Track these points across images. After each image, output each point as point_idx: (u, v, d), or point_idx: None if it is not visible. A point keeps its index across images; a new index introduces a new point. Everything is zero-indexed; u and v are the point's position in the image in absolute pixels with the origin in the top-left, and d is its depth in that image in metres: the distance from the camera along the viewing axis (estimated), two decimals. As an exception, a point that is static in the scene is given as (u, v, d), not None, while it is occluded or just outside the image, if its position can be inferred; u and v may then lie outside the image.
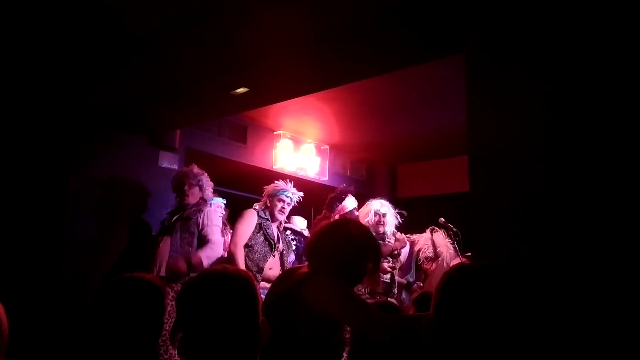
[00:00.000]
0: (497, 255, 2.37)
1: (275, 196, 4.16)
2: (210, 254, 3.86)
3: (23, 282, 3.69)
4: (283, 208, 4.17)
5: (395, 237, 4.50)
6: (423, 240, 4.80)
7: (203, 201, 4.08)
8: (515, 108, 2.43)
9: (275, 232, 4.16)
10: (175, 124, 4.60)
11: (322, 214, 4.47)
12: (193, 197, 4.03)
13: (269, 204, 4.16)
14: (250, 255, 3.94)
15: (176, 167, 4.73)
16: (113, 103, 4.09)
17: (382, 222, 4.40)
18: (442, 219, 4.85)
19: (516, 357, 1.02)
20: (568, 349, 2.02)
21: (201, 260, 3.78)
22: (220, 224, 4.15)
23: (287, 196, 4.19)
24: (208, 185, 4.13)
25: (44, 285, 3.82)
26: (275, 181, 4.30)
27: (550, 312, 2.05)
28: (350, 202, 4.35)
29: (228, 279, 1.43)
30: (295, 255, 4.82)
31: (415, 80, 4.15)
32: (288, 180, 4.32)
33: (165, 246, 3.88)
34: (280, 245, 4.18)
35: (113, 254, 4.20)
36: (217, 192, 5.18)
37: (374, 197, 6.42)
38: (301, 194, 4.30)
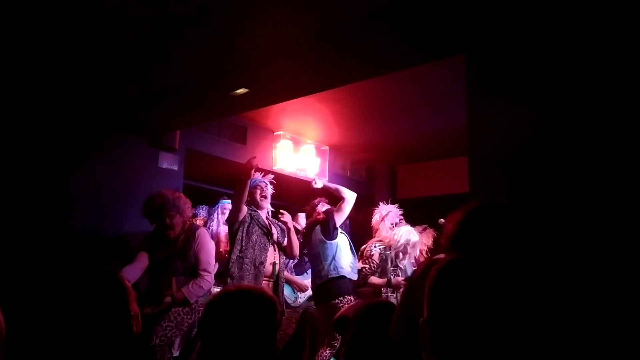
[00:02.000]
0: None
1: (252, 188, 4.14)
2: (196, 291, 3.65)
3: (23, 283, 3.69)
4: (263, 192, 4.16)
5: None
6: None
7: (187, 226, 3.85)
8: (514, 109, 2.44)
9: (266, 222, 4.14)
10: (175, 124, 4.60)
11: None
12: (177, 226, 3.79)
13: (249, 198, 4.12)
14: (248, 252, 3.89)
15: (176, 168, 4.73)
16: (113, 104, 4.10)
17: (407, 253, 4.48)
18: (442, 220, 4.85)
19: (521, 352, 1.00)
20: (566, 346, 2.02)
21: (184, 297, 3.59)
22: (213, 249, 3.93)
23: (259, 181, 4.19)
24: (186, 207, 3.85)
25: (45, 285, 3.81)
26: None
27: (550, 311, 2.05)
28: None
29: (261, 300, 1.53)
30: None
31: (415, 81, 4.15)
32: (256, 171, 4.24)
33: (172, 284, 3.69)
34: (275, 233, 4.14)
35: (113, 254, 4.19)
36: (217, 193, 5.20)
37: (375, 198, 6.48)
38: (266, 177, 4.30)
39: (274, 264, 4.09)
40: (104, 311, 1.65)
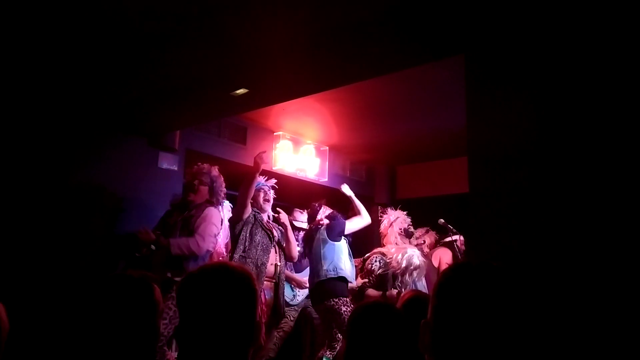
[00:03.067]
0: (496, 255, 2.37)
1: (255, 191, 4.22)
2: (181, 244, 3.73)
3: (23, 284, 3.69)
4: (266, 196, 4.27)
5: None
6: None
7: (208, 203, 4.03)
8: (514, 109, 2.44)
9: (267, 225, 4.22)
10: (175, 125, 4.60)
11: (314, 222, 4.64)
12: (200, 196, 4.01)
13: (252, 200, 4.21)
14: (252, 252, 3.94)
15: (176, 168, 4.73)
16: (113, 104, 4.10)
17: (405, 276, 4.33)
18: (442, 220, 4.87)
19: (518, 356, 1.01)
20: (566, 346, 2.02)
21: (169, 243, 3.70)
22: (219, 227, 4.07)
23: (263, 185, 4.31)
24: (220, 190, 4.11)
25: (45, 286, 3.82)
26: None
27: (551, 311, 2.05)
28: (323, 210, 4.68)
29: (230, 273, 1.45)
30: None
31: (415, 82, 4.15)
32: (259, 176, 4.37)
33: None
34: (276, 236, 4.21)
35: (114, 254, 4.19)
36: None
37: (374, 198, 6.48)
38: (269, 182, 4.40)
39: (275, 265, 4.13)
40: (129, 320, 1.63)
